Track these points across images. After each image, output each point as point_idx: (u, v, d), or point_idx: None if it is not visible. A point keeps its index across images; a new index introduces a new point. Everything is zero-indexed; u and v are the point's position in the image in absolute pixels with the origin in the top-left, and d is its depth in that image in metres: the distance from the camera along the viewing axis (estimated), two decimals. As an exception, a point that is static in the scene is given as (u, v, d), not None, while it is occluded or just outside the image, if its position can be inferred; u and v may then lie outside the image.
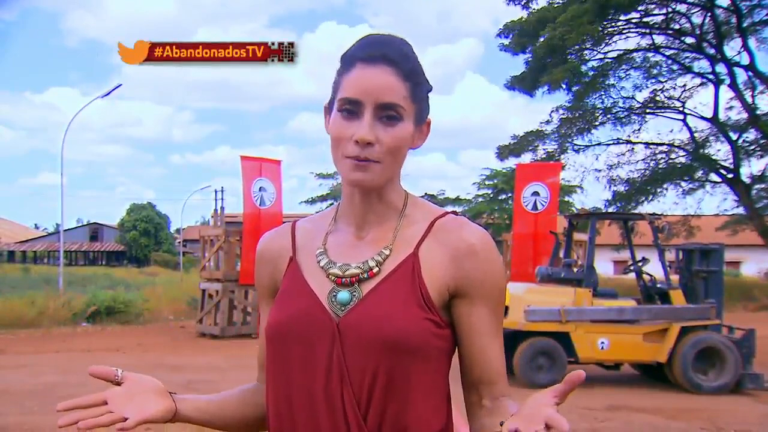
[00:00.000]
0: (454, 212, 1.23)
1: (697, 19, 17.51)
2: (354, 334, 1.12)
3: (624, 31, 18.20)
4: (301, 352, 1.15)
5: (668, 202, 21.84)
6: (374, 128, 1.12)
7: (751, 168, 19.07)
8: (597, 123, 19.11)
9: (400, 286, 1.14)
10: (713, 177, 19.32)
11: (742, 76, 17.72)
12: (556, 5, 17.09)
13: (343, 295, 1.15)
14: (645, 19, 17.82)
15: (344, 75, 1.16)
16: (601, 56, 18.61)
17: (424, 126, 1.22)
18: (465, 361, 1.19)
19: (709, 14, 17.03)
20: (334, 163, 1.18)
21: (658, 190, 19.57)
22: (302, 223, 1.30)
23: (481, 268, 1.15)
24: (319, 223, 1.27)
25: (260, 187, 13.43)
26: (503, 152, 19.24)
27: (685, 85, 18.91)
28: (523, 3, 17.84)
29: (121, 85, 30.36)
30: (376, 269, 1.16)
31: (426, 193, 31.45)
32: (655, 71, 18.82)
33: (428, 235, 1.18)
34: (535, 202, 12.66)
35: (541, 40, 16.69)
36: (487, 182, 31.22)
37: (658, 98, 19.14)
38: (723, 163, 18.72)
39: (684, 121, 18.95)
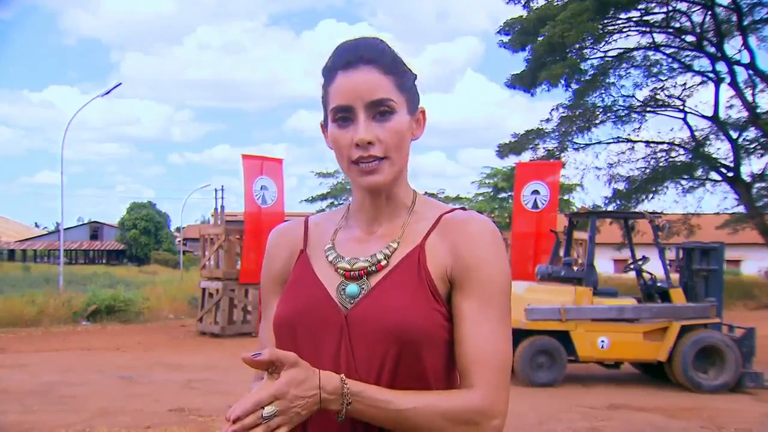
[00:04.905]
0: (463, 208, 1.23)
1: (697, 18, 17.50)
2: (362, 325, 1.13)
3: (624, 30, 18.18)
4: (309, 342, 1.16)
5: (668, 201, 21.73)
6: (371, 127, 1.13)
7: (751, 166, 19.06)
8: (597, 121, 19.09)
9: (407, 276, 1.15)
10: (713, 175, 19.30)
11: (742, 74, 17.72)
12: (556, 3, 17.06)
13: (352, 288, 1.16)
14: (645, 18, 17.79)
15: (329, 87, 1.18)
16: (602, 54, 18.61)
17: (419, 115, 1.23)
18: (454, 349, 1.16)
19: (709, 12, 17.01)
20: (343, 172, 1.20)
21: (659, 188, 19.56)
22: (314, 219, 1.32)
23: (476, 254, 1.15)
24: (331, 220, 1.29)
25: (262, 186, 13.41)
26: (503, 150, 19.22)
27: (685, 84, 18.90)
28: (523, 2, 17.82)
29: (120, 83, 30.35)
30: (384, 262, 1.17)
31: (426, 192, 31.35)
32: (655, 69, 18.80)
33: (435, 229, 1.19)
34: (535, 200, 12.67)
35: (541, 38, 16.66)
36: (487, 181, 31.25)
37: (658, 97, 19.12)
38: (723, 162, 18.70)
39: (684, 119, 18.93)
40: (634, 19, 17.82)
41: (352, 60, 1.15)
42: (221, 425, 1.23)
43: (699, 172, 19.58)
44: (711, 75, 18.26)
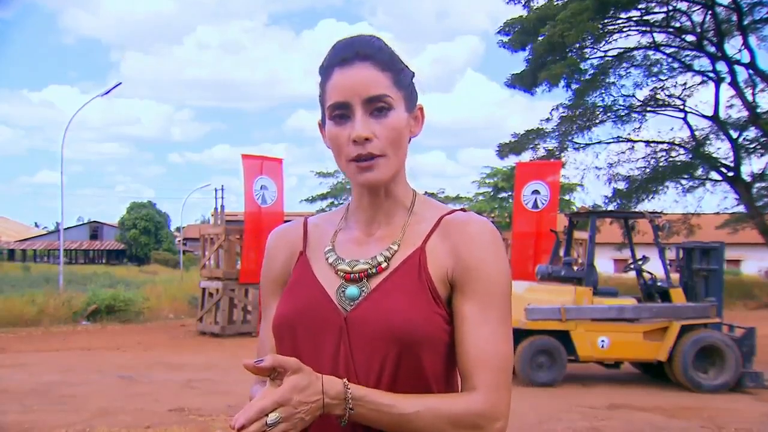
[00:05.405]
0: (463, 209, 1.23)
1: (697, 17, 17.50)
2: (361, 327, 1.12)
3: (624, 29, 18.18)
4: (308, 344, 1.15)
5: (668, 201, 21.77)
6: (368, 124, 1.12)
7: (751, 166, 19.05)
8: (597, 121, 19.09)
9: (407, 278, 1.14)
10: (714, 175, 19.29)
11: (742, 74, 17.72)
12: (556, 3, 17.06)
13: (352, 290, 1.16)
14: (645, 17, 17.79)
15: (326, 84, 1.17)
16: (602, 54, 18.60)
17: (417, 112, 1.22)
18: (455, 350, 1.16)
19: (709, 12, 17.00)
20: (341, 170, 1.19)
21: (659, 188, 19.56)
22: (313, 220, 1.30)
23: (476, 255, 1.14)
24: (330, 221, 1.28)
25: (262, 186, 13.41)
26: (503, 150, 19.22)
27: (685, 83, 18.90)
28: (523, 2, 17.82)
29: (120, 83, 30.31)
30: (384, 264, 1.16)
31: (426, 192, 31.40)
32: (655, 69, 18.80)
33: (435, 231, 1.18)
34: (535, 200, 12.67)
35: (541, 38, 16.66)
36: (487, 181, 31.23)
37: (658, 96, 19.11)
38: (723, 162, 18.69)
39: (684, 119, 18.92)
40: (634, 18, 17.82)
41: (348, 56, 1.14)
42: (221, 425, 1.22)
43: (699, 172, 19.58)
44: (711, 75, 18.25)
